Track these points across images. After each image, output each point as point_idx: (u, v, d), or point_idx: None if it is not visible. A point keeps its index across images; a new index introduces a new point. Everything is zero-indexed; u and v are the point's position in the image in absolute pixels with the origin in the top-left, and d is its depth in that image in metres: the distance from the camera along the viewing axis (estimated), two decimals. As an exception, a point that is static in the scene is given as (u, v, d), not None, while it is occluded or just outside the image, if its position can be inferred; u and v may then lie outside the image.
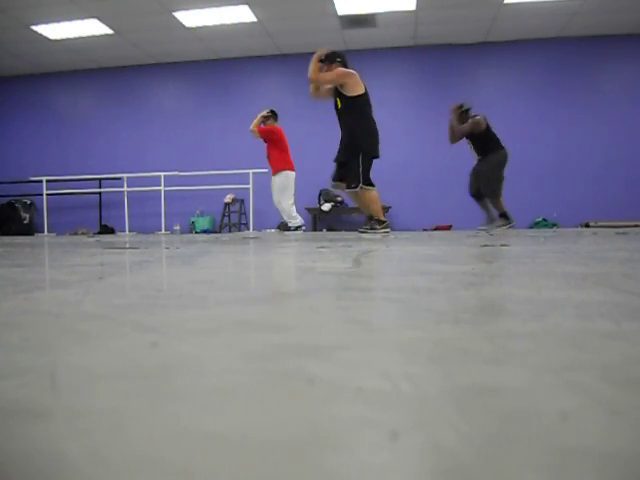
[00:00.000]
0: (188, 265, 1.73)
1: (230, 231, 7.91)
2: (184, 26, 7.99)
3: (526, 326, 0.59)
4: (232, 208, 9.01)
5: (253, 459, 0.26)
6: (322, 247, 2.63)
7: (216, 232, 8.48)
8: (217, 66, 9.52)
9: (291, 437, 0.29)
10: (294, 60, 8.94)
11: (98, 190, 9.50)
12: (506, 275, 1.19)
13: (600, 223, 7.90)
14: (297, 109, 8.63)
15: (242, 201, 8.93)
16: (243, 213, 9.01)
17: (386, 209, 8.63)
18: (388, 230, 4.97)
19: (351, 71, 4.88)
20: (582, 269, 1.30)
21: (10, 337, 0.58)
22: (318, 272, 1.39)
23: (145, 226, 9.40)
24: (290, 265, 1.63)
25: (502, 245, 2.58)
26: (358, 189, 4.80)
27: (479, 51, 8.77)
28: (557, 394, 0.35)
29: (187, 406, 0.34)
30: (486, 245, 2.61)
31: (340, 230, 8.42)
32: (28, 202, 9.47)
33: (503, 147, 5.96)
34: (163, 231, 9.06)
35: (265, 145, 6.37)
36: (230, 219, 9.03)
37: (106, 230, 9.42)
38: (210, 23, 7.93)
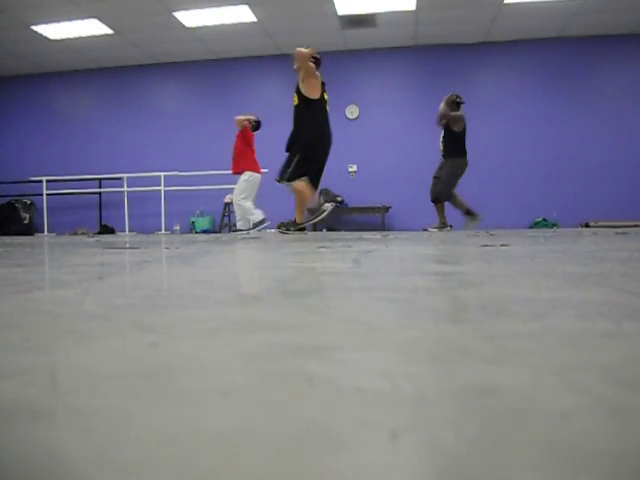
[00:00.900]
0: (188, 265, 1.73)
1: (230, 231, 7.91)
2: (184, 26, 7.99)
3: (526, 326, 0.59)
4: (232, 208, 9.00)
5: (253, 459, 0.26)
6: (322, 247, 2.63)
7: (216, 232, 8.48)
8: (217, 66, 9.52)
9: (291, 437, 0.29)
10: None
11: (98, 190, 9.50)
12: (506, 275, 1.19)
13: (600, 223, 7.90)
14: (297, 109, 8.62)
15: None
16: (243, 213, 9.00)
17: (386, 209, 8.65)
18: (304, 233, 5.07)
19: (317, 74, 4.92)
20: (582, 269, 1.30)
21: (10, 337, 0.58)
22: (318, 272, 1.39)
23: (145, 226, 9.40)
24: (290, 265, 1.64)
25: (502, 245, 2.58)
26: (281, 182, 4.93)
27: (479, 51, 8.77)
28: (557, 394, 0.35)
29: (187, 406, 0.34)
30: (486, 245, 2.61)
31: (340, 230, 8.42)
32: (28, 202, 9.47)
33: (465, 156, 6.21)
34: (163, 231, 9.06)
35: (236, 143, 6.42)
36: (230, 219, 9.03)
37: (106, 230, 9.42)
38: (210, 23, 7.93)
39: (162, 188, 8.90)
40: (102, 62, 9.59)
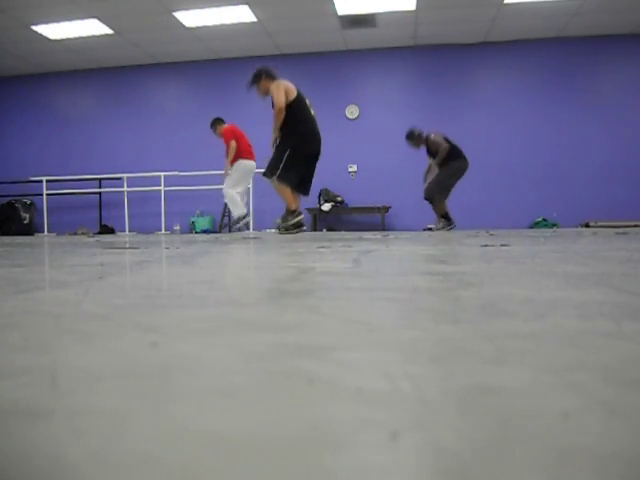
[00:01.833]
0: (188, 265, 1.73)
1: (230, 231, 7.91)
2: (184, 26, 7.99)
3: (526, 326, 0.59)
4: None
5: (253, 459, 0.26)
6: (322, 247, 2.63)
7: (216, 232, 8.48)
8: (217, 66, 9.52)
9: (291, 437, 0.29)
10: (294, 60, 8.95)
11: (98, 190, 9.50)
12: (506, 275, 1.19)
13: (600, 223, 7.90)
14: (297, 109, 8.62)
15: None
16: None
17: (386, 209, 8.65)
18: (301, 218, 5.10)
19: (279, 84, 4.98)
20: (582, 269, 1.30)
21: (10, 337, 0.58)
22: (318, 272, 1.39)
23: (145, 226, 9.40)
24: (290, 265, 1.63)
25: (502, 245, 2.58)
26: (270, 180, 5.01)
27: (479, 51, 8.77)
28: (557, 394, 0.35)
29: (187, 406, 0.34)
30: (486, 245, 2.61)
31: (340, 230, 8.42)
32: (28, 202, 9.47)
33: (464, 157, 6.29)
34: (163, 231, 9.06)
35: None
36: (230, 219, 9.03)
37: (106, 230, 9.42)
38: (210, 23, 7.92)
39: (162, 188, 8.90)
40: (102, 62, 9.58)
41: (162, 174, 8.89)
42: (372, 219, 8.79)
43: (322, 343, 0.52)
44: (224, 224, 8.21)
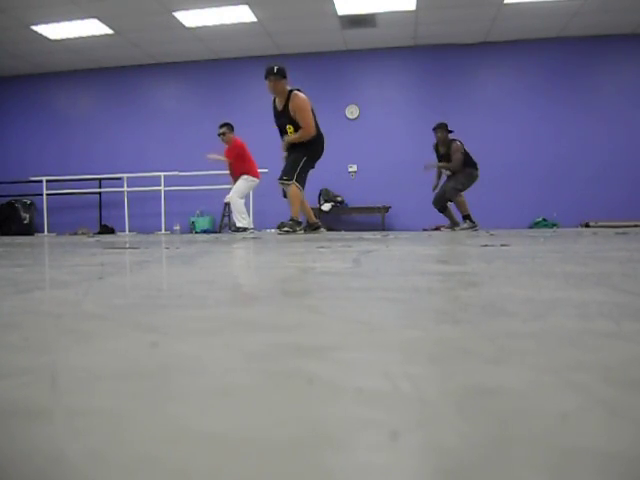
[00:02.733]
0: (188, 265, 1.73)
1: (230, 230, 7.91)
2: (184, 26, 7.99)
3: (526, 326, 0.59)
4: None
5: (253, 459, 0.26)
6: (322, 247, 2.63)
7: (216, 232, 8.48)
8: (217, 66, 9.52)
9: (291, 437, 0.29)
10: (294, 60, 8.94)
11: (98, 190, 9.50)
12: (506, 275, 1.19)
13: (600, 223, 7.90)
14: (297, 109, 8.62)
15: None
16: (243, 213, 9.01)
17: (386, 209, 8.65)
18: (320, 228, 5.40)
19: (306, 103, 5.14)
20: (582, 269, 1.30)
21: (10, 337, 0.58)
22: (318, 272, 1.39)
23: (145, 226, 9.40)
24: (290, 265, 1.63)
25: (502, 245, 2.58)
26: (288, 183, 5.14)
27: (479, 51, 8.77)
28: (557, 394, 0.35)
29: (187, 406, 0.34)
30: (486, 245, 2.61)
31: (340, 230, 8.42)
32: (28, 202, 9.47)
33: (477, 168, 6.49)
34: (163, 231, 9.06)
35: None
36: (230, 219, 9.03)
37: (106, 230, 9.42)
38: (210, 23, 7.93)
39: (162, 188, 8.90)
40: (102, 62, 9.59)
41: (162, 174, 8.89)
42: (372, 219, 8.79)
43: (322, 343, 0.52)
44: (224, 224, 8.21)
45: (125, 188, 9.02)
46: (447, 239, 3.74)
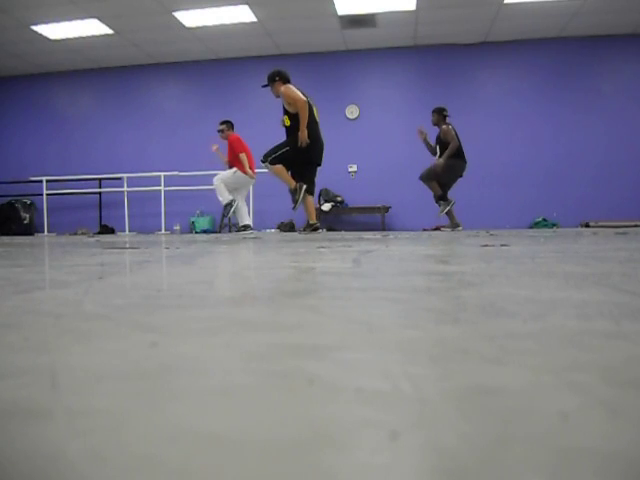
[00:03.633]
0: (188, 265, 1.73)
1: (230, 231, 7.91)
2: (184, 26, 7.99)
3: (526, 326, 0.59)
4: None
5: (253, 459, 0.26)
6: (322, 247, 2.63)
7: (216, 232, 8.48)
8: (217, 66, 9.52)
9: (291, 437, 0.29)
10: (294, 60, 8.94)
11: (98, 190, 9.49)
12: (506, 275, 1.19)
13: (600, 223, 7.90)
14: (297, 109, 8.62)
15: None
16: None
17: (386, 209, 8.65)
18: (303, 190, 5.36)
19: (290, 88, 5.25)
20: (582, 269, 1.30)
21: (10, 337, 0.58)
22: (318, 272, 1.39)
23: (145, 226, 9.40)
24: (290, 265, 1.63)
25: (502, 245, 2.58)
26: (263, 164, 5.37)
27: (479, 51, 8.77)
28: (557, 394, 0.35)
29: (187, 406, 0.34)
30: (486, 245, 2.61)
31: (340, 230, 8.42)
32: (28, 202, 9.47)
33: (464, 158, 6.40)
34: (163, 231, 9.06)
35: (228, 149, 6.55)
36: (230, 219, 9.03)
37: (106, 230, 9.42)
38: (210, 23, 7.92)
39: (162, 188, 8.90)
40: (102, 62, 9.58)
41: (162, 174, 8.89)
42: (372, 219, 8.79)
43: (322, 343, 0.52)
44: (224, 224, 8.21)
45: (125, 188, 9.02)
46: (447, 239, 3.74)
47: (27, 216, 9.39)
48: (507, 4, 7.31)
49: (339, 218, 8.92)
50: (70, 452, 0.27)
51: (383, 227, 8.56)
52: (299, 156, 5.27)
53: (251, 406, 0.34)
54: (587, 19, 7.80)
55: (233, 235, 6.18)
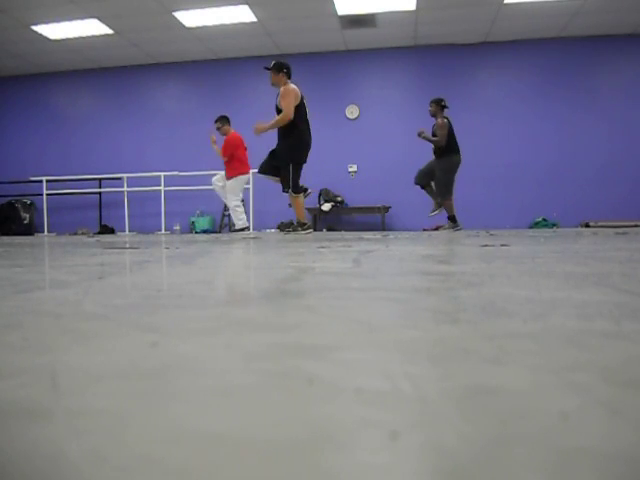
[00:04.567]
0: (188, 265, 1.73)
1: (230, 231, 7.92)
2: (184, 26, 7.99)
3: (526, 326, 0.59)
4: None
5: (253, 459, 0.26)
6: (322, 247, 2.63)
7: (216, 232, 8.48)
8: (217, 66, 9.52)
9: (291, 437, 0.29)
10: (294, 60, 8.91)
11: (98, 190, 9.49)
12: (506, 275, 1.19)
13: (600, 223, 7.89)
14: (297, 109, 8.62)
15: (242, 201, 8.93)
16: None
17: (386, 209, 8.65)
18: (310, 231, 5.49)
19: (290, 90, 5.23)
20: (582, 269, 1.30)
21: (10, 337, 0.58)
22: (318, 272, 1.39)
23: (145, 226, 9.40)
24: (290, 265, 1.63)
25: (502, 245, 2.58)
26: (288, 194, 5.38)
27: (479, 51, 8.77)
28: (557, 394, 0.35)
29: (187, 406, 0.34)
30: (486, 245, 2.61)
31: (340, 230, 8.42)
32: (28, 202, 9.46)
33: (458, 153, 6.30)
34: (163, 231, 9.06)
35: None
36: (230, 219, 9.03)
37: (106, 230, 9.41)
38: (210, 23, 7.92)
39: (162, 188, 8.89)
40: (102, 62, 9.58)
41: (162, 174, 8.89)
42: (372, 219, 8.79)
43: (322, 343, 0.52)
44: (224, 224, 8.22)
45: (125, 188, 9.02)
46: (447, 239, 3.74)
47: (27, 216, 9.38)
48: (507, 4, 7.31)
49: (339, 218, 8.92)
50: (70, 452, 0.27)
51: (383, 227, 8.56)
52: (300, 163, 5.34)
53: (251, 406, 0.34)
54: (587, 19, 7.80)
55: (232, 235, 6.18)
